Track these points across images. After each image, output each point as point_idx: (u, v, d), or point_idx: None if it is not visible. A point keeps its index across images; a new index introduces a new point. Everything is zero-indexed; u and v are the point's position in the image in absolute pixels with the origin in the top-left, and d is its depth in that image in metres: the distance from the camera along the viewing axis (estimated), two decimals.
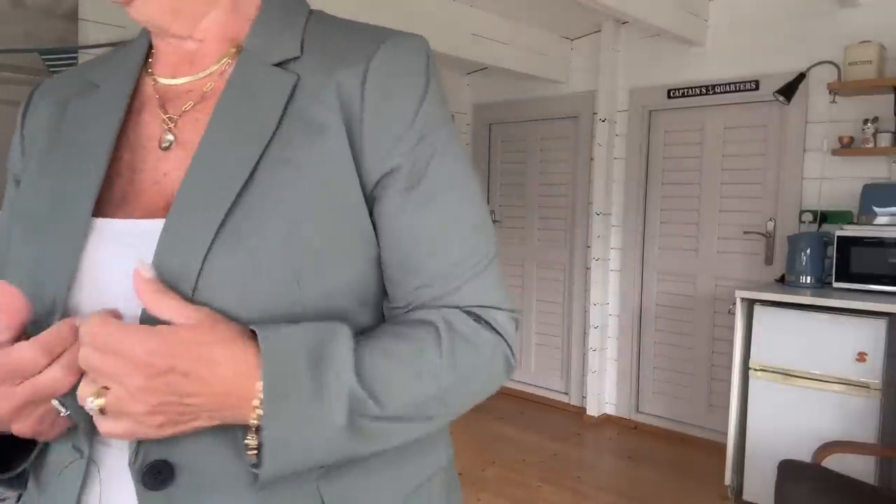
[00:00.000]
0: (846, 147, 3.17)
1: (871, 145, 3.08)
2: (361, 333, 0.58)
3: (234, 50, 0.64)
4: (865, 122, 3.10)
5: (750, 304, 3.04)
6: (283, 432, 0.51)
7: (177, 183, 0.59)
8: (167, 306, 0.52)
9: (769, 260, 3.56)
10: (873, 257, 2.89)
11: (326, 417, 0.52)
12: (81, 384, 0.51)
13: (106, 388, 0.50)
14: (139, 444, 0.54)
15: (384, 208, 0.61)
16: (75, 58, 2.81)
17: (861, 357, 2.69)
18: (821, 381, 2.78)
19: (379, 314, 0.65)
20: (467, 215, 0.64)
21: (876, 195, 2.99)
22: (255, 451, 0.53)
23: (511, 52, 3.92)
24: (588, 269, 4.27)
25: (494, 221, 4.81)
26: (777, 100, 3.31)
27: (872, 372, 2.66)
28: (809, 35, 3.38)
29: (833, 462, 2.40)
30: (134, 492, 0.54)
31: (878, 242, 2.88)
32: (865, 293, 2.87)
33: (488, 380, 0.65)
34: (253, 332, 0.53)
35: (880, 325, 2.65)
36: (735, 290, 3.07)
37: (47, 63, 2.75)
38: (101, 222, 0.58)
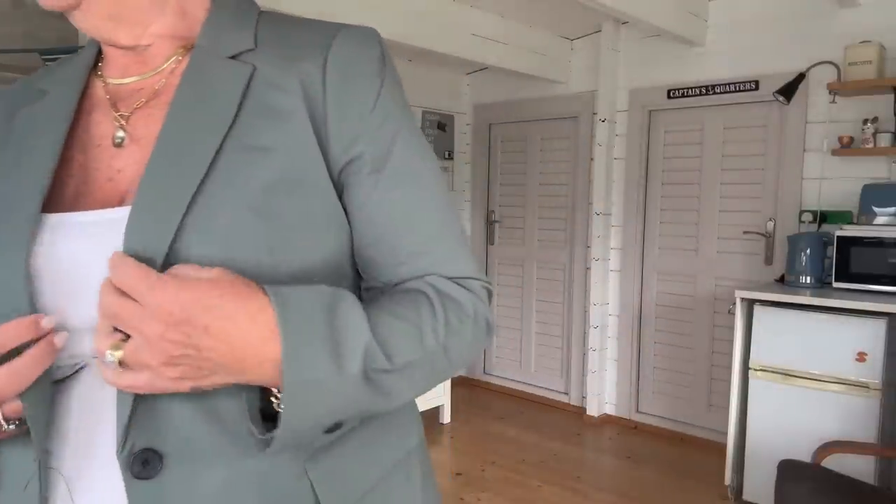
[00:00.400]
0: (846, 147, 3.17)
1: (870, 145, 3.08)
2: None
3: (184, 48, 0.65)
4: (865, 122, 3.10)
5: (750, 304, 3.04)
6: (303, 384, 0.52)
7: (132, 179, 0.60)
8: (178, 269, 0.53)
9: (769, 260, 3.56)
10: (873, 257, 2.89)
11: (344, 368, 0.54)
12: (97, 337, 0.51)
13: (123, 340, 0.50)
14: (126, 434, 0.54)
15: (354, 191, 0.63)
16: None
17: (861, 357, 2.69)
18: (820, 381, 2.78)
19: (356, 291, 0.67)
20: (435, 194, 0.67)
21: (876, 195, 3.00)
22: (273, 409, 0.54)
23: (511, 52, 3.92)
24: (588, 269, 4.27)
25: (494, 221, 4.82)
26: (777, 100, 3.31)
27: (872, 372, 2.66)
28: (809, 35, 3.38)
29: (833, 462, 2.40)
30: (101, 499, 0.55)
31: (878, 242, 2.88)
32: (865, 293, 2.87)
33: (475, 338, 0.66)
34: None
35: (880, 325, 2.66)
36: (735, 290, 3.07)
37: (47, 63, 2.75)
38: (58, 217, 0.58)
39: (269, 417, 0.56)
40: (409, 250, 0.64)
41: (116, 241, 0.54)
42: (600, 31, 4.09)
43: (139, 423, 0.54)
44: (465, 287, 0.66)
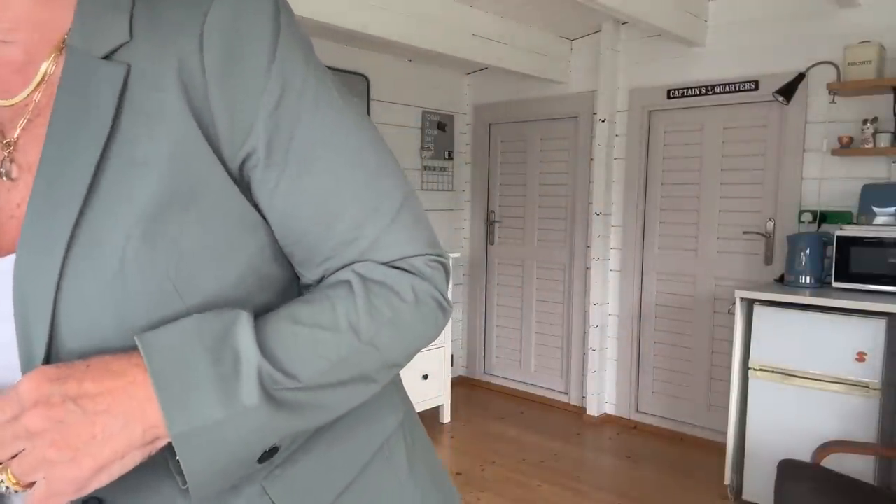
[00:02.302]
0: (846, 147, 3.18)
1: (870, 145, 3.08)
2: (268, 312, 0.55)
3: (59, 47, 0.55)
4: (865, 122, 3.10)
5: (749, 303, 3.04)
6: (193, 432, 0.47)
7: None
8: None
9: (769, 260, 3.56)
10: (873, 257, 2.89)
11: (238, 401, 0.48)
12: None
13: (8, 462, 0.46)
14: None
15: (260, 188, 0.55)
16: None
17: (860, 357, 2.69)
18: (820, 380, 2.79)
19: (286, 290, 0.61)
20: (359, 168, 0.58)
21: (875, 195, 3.00)
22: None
23: (511, 52, 3.92)
24: (588, 269, 4.27)
25: (494, 221, 4.82)
26: (777, 100, 3.32)
27: (872, 372, 2.66)
28: (809, 35, 3.38)
29: (832, 462, 2.40)
30: None
31: (878, 242, 2.88)
32: (865, 293, 2.87)
33: (422, 321, 0.59)
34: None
35: (880, 325, 2.66)
36: (735, 290, 3.07)
37: None
38: None
39: None
40: (334, 241, 0.57)
41: (8, 293, 0.50)
42: (600, 31, 4.09)
43: None
44: (402, 268, 0.59)
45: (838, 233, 2.98)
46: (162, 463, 0.51)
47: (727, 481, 3.08)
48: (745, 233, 3.67)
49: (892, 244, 2.85)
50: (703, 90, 3.74)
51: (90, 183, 0.49)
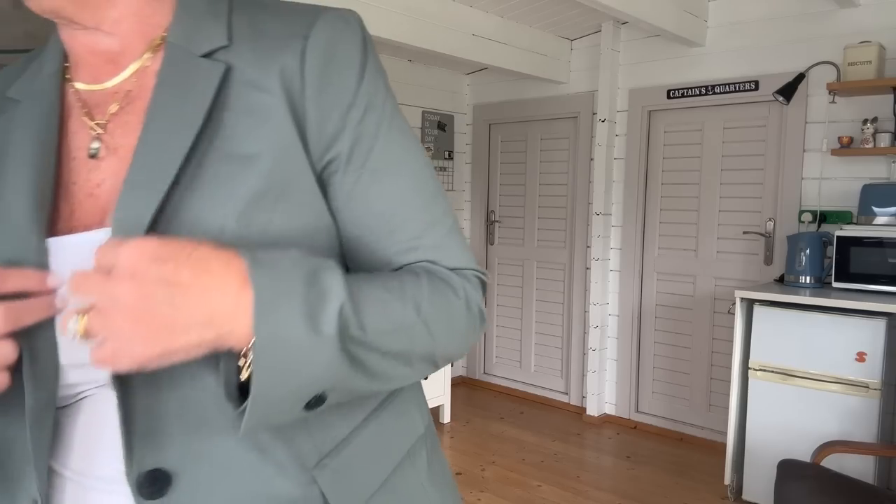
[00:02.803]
0: (846, 147, 3.18)
1: (870, 145, 3.08)
2: None
3: (156, 43, 0.60)
4: (865, 122, 3.10)
5: (749, 304, 3.04)
6: (275, 339, 0.48)
7: (112, 193, 0.56)
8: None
9: (769, 260, 3.56)
10: (873, 257, 2.89)
11: (319, 330, 0.50)
12: (63, 317, 0.48)
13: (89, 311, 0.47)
14: (132, 454, 0.53)
15: (337, 190, 0.60)
16: None
17: (860, 357, 2.69)
18: (820, 380, 2.79)
19: None
20: (421, 187, 0.63)
21: (875, 195, 3.00)
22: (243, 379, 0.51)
23: (511, 52, 3.92)
24: (588, 269, 4.27)
25: (494, 221, 4.82)
26: (777, 100, 3.32)
27: (872, 372, 2.66)
28: (809, 35, 3.39)
29: (832, 462, 2.40)
30: None
31: (878, 242, 2.88)
32: (865, 293, 2.87)
33: (467, 324, 0.63)
34: None
35: (879, 325, 2.66)
36: (734, 290, 3.07)
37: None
38: (52, 241, 0.55)
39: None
40: (396, 248, 0.62)
41: None
42: (600, 31, 4.09)
43: (144, 445, 0.53)
44: (457, 274, 0.64)
45: (838, 233, 2.98)
46: (224, 433, 0.53)
47: (727, 481, 3.08)
48: (745, 233, 3.67)
49: (892, 244, 2.85)
50: (703, 90, 3.74)
51: (180, 167, 0.53)
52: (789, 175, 3.46)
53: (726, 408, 3.19)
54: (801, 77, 3.28)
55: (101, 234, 0.53)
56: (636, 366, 4.15)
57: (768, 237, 3.56)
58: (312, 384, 0.51)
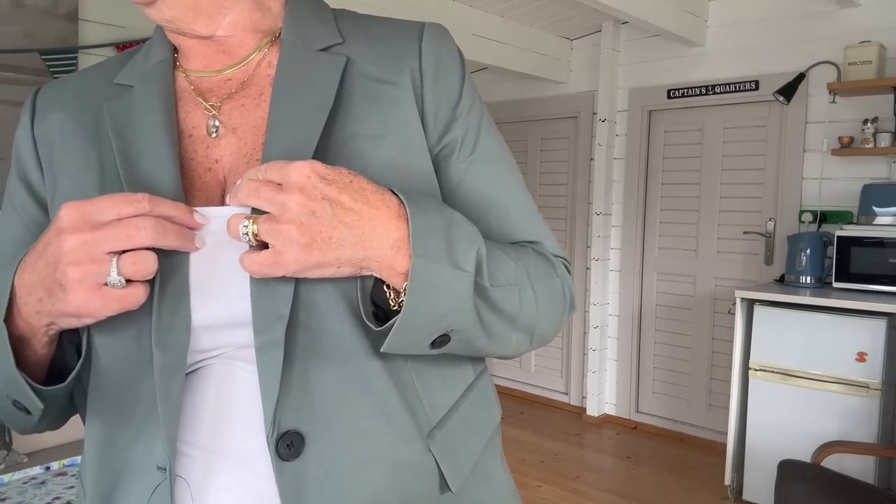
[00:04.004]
0: (846, 147, 3.17)
1: (870, 145, 3.08)
2: None
3: (269, 40, 0.66)
4: (865, 122, 3.10)
5: (750, 304, 3.04)
6: (427, 266, 0.54)
7: (229, 168, 0.62)
8: None
9: (769, 260, 3.56)
10: (873, 257, 2.89)
11: (460, 266, 0.56)
12: (231, 220, 0.53)
13: (257, 216, 0.52)
14: (273, 417, 0.55)
15: (449, 174, 0.67)
16: (75, 58, 2.81)
17: (861, 357, 2.69)
18: (821, 381, 2.78)
19: None
20: (518, 179, 0.72)
21: (876, 195, 3.00)
22: (385, 311, 0.57)
23: (511, 52, 3.92)
24: (588, 269, 4.27)
25: None
26: (777, 100, 3.31)
27: (872, 372, 2.66)
28: (809, 35, 3.38)
29: (833, 462, 2.40)
30: (225, 488, 0.57)
31: (878, 242, 2.88)
32: (865, 293, 2.87)
33: (562, 303, 0.70)
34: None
35: (880, 325, 2.66)
36: (735, 290, 3.07)
37: (47, 63, 2.75)
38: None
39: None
40: (500, 231, 0.68)
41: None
42: (600, 31, 4.09)
43: (281, 408, 0.56)
44: (558, 260, 0.71)
45: (839, 233, 2.98)
46: (360, 393, 0.58)
47: (727, 481, 3.08)
48: (745, 233, 3.67)
49: (892, 244, 2.85)
50: (704, 90, 3.74)
51: (318, 145, 0.59)
52: (790, 175, 3.46)
53: (726, 408, 3.19)
54: (801, 77, 3.28)
55: (240, 208, 0.57)
56: (636, 366, 4.15)
57: (769, 237, 3.56)
58: (447, 316, 0.57)
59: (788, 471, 2.17)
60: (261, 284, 0.56)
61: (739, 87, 3.61)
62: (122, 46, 2.97)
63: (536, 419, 4.24)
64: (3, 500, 1.94)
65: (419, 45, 0.66)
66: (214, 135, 0.63)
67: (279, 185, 0.52)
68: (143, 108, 0.63)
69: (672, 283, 3.99)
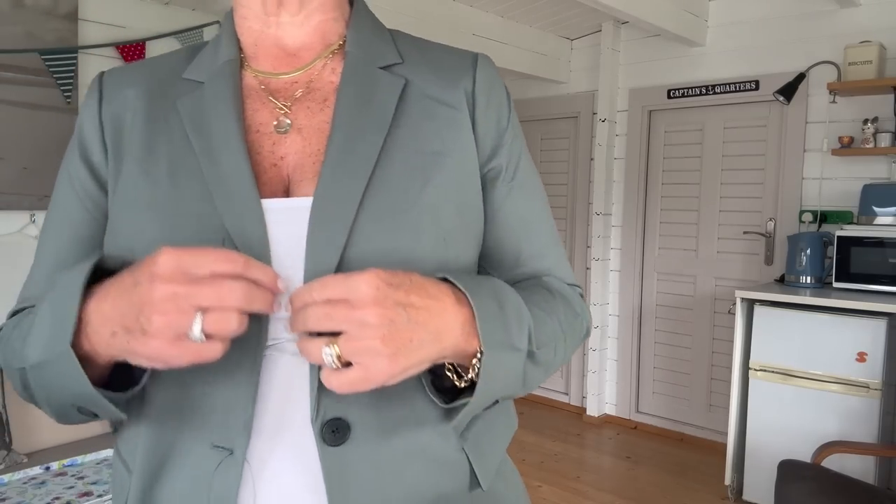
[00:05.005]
0: (846, 147, 3.17)
1: (870, 145, 3.08)
2: None
3: (333, 49, 0.70)
4: (865, 122, 3.10)
5: (750, 304, 3.04)
6: (491, 354, 0.58)
7: (293, 166, 0.65)
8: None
9: (769, 260, 3.56)
10: (873, 257, 2.89)
11: (516, 346, 0.60)
12: (308, 346, 0.54)
13: (334, 337, 0.53)
14: (319, 403, 0.58)
15: (493, 196, 0.71)
16: (75, 58, 2.81)
17: (861, 357, 2.69)
18: (821, 381, 2.78)
19: None
20: (546, 208, 0.77)
21: (876, 195, 3.00)
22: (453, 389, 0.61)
23: (511, 52, 3.92)
24: (588, 269, 4.27)
25: None
26: (777, 100, 3.31)
27: (872, 372, 2.66)
28: (809, 35, 3.38)
29: (833, 462, 2.40)
30: (281, 484, 0.59)
31: (878, 242, 2.88)
32: (865, 293, 2.87)
33: (579, 333, 0.74)
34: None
35: (880, 325, 2.66)
36: (735, 290, 3.07)
37: (47, 63, 2.74)
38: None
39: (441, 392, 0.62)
40: (529, 253, 0.73)
41: (302, 229, 0.60)
42: (600, 31, 4.09)
43: (330, 395, 0.58)
44: (574, 292, 0.75)
45: (839, 233, 2.98)
46: (400, 392, 0.61)
47: (727, 481, 3.08)
48: (745, 233, 3.67)
49: (892, 244, 2.85)
50: (704, 90, 3.74)
51: (378, 157, 0.63)
52: (790, 175, 3.46)
53: (727, 408, 3.19)
54: (801, 77, 3.28)
55: (306, 202, 0.61)
56: (636, 366, 4.15)
57: (769, 237, 3.56)
58: (505, 389, 0.62)
59: (788, 471, 2.17)
60: (312, 275, 0.58)
61: (739, 87, 3.61)
62: (121, 46, 2.97)
63: (536, 419, 4.24)
64: (3, 500, 1.94)
65: (474, 73, 0.70)
66: (284, 132, 0.66)
67: (345, 300, 0.53)
68: (214, 105, 0.66)
69: (672, 283, 3.99)
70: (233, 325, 0.52)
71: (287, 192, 0.64)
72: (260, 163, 0.65)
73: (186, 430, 0.60)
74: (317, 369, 0.58)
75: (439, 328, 0.56)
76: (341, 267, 0.59)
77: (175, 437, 0.60)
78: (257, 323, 0.58)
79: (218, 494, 0.58)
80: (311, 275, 0.58)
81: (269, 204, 0.61)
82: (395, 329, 0.53)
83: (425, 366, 0.57)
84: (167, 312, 0.50)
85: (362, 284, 0.53)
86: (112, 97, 0.69)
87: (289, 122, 0.67)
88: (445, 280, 0.60)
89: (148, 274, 0.51)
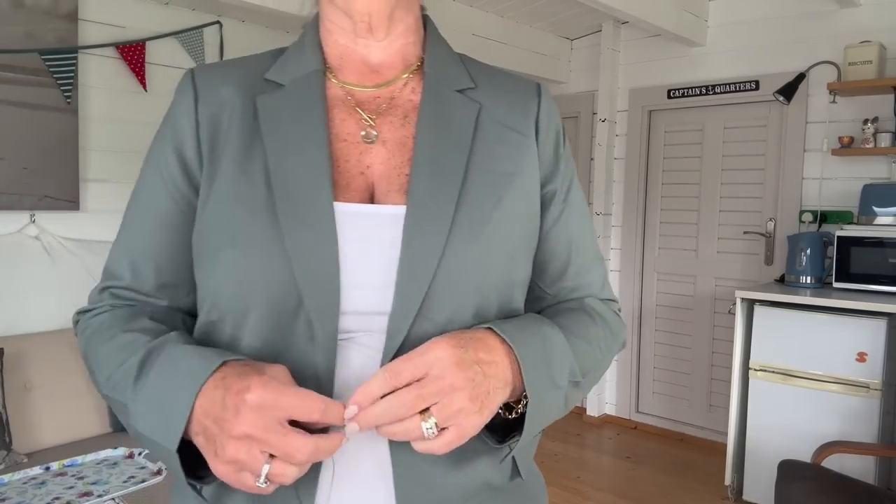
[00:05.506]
0: (846, 147, 3.17)
1: (870, 145, 3.08)
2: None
3: (412, 68, 0.75)
4: (865, 122, 3.10)
5: (750, 304, 3.04)
6: (536, 397, 0.64)
7: (378, 175, 0.69)
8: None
9: (769, 260, 3.56)
10: (873, 257, 2.89)
11: (558, 385, 0.66)
12: (400, 428, 0.57)
13: (424, 411, 0.57)
14: None
15: (547, 216, 0.76)
16: (75, 58, 2.81)
17: (861, 357, 2.69)
18: (821, 381, 2.78)
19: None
20: (591, 226, 0.82)
21: (876, 195, 3.00)
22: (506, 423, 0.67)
23: (511, 52, 3.92)
24: None
25: None
26: (777, 100, 3.31)
27: (872, 372, 2.66)
28: (809, 35, 3.38)
29: (833, 462, 2.40)
30: (354, 471, 0.64)
31: (878, 242, 2.88)
32: (865, 293, 2.87)
33: (616, 349, 0.80)
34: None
35: (880, 325, 2.66)
36: (735, 290, 3.07)
37: (47, 63, 2.74)
38: (340, 205, 0.65)
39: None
40: (574, 270, 0.79)
41: (394, 234, 0.64)
42: (600, 31, 4.09)
43: None
44: (612, 309, 0.81)
45: (839, 233, 2.98)
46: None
47: (727, 481, 3.08)
48: (745, 233, 3.67)
49: (892, 244, 2.85)
50: (704, 90, 3.74)
51: (464, 175, 0.68)
52: (790, 175, 3.46)
53: (726, 408, 3.19)
54: (801, 77, 3.28)
55: (398, 210, 0.66)
56: (636, 366, 4.15)
57: (769, 237, 3.56)
58: (549, 420, 0.68)
59: (788, 471, 2.17)
60: (405, 284, 0.63)
61: (739, 87, 3.61)
62: (121, 46, 2.97)
63: None
64: (3, 500, 1.94)
65: (538, 101, 0.77)
66: (371, 143, 0.70)
67: (425, 375, 0.57)
68: (298, 111, 0.69)
69: (672, 283, 3.99)
70: (294, 476, 0.56)
71: (371, 200, 0.68)
72: (349, 170, 0.68)
73: None
74: (388, 360, 0.62)
75: (506, 377, 0.62)
76: (437, 276, 0.63)
77: None
78: (332, 314, 0.63)
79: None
80: (404, 279, 0.63)
81: (357, 208, 0.66)
82: (476, 386, 0.59)
83: (496, 409, 0.62)
84: (239, 451, 0.54)
85: (441, 354, 0.58)
86: (208, 98, 0.71)
87: (375, 133, 0.71)
88: (489, 329, 0.65)
89: (234, 407, 0.55)
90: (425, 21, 0.78)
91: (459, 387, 0.57)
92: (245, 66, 0.74)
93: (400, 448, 0.64)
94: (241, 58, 0.76)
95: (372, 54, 0.73)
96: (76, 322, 0.74)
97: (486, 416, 0.60)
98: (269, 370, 0.58)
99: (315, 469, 0.62)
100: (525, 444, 0.67)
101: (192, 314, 0.73)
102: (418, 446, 0.58)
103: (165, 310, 0.72)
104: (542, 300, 0.79)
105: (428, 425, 0.57)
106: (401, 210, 0.65)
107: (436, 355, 0.58)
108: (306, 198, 0.64)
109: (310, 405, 0.55)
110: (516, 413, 0.67)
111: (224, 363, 0.59)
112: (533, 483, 0.78)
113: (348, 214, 0.65)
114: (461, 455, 0.66)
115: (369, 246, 0.64)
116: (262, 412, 0.54)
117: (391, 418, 0.57)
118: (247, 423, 0.54)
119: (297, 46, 0.76)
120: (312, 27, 0.76)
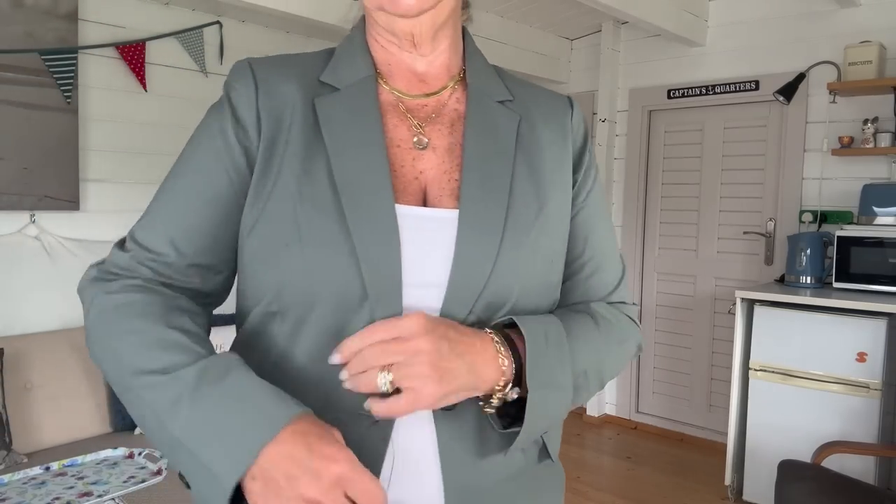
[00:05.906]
0: (846, 147, 3.17)
1: (870, 145, 3.08)
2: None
3: (455, 79, 0.79)
4: (865, 122, 3.10)
5: (750, 304, 3.04)
6: (536, 391, 0.66)
7: (431, 180, 0.72)
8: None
9: (769, 260, 3.56)
10: (873, 257, 2.89)
11: (560, 379, 0.69)
12: (362, 380, 0.61)
13: (388, 368, 0.60)
14: None
15: (575, 220, 0.80)
16: (75, 58, 2.81)
17: (861, 357, 2.69)
18: (821, 381, 2.78)
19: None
20: (612, 228, 0.86)
21: (876, 195, 3.00)
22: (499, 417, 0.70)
23: (511, 52, 3.92)
24: None
25: None
26: (777, 100, 3.31)
27: (872, 372, 2.66)
28: (809, 35, 3.38)
29: (833, 462, 2.40)
30: (410, 449, 0.69)
31: (878, 243, 2.88)
32: (865, 293, 2.87)
33: (628, 353, 0.82)
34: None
35: (880, 326, 2.66)
36: (735, 290, 3.07)
37: (47, 63, 2.74)
38: (399, 207, 0.69)
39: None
40: (594, 263, 0.82)
41: (447, 236, 0.68)
42: (600, 31, 4.09)
43: None
44: (624, 313, 0.82)
45: (839, 233, 2.98)
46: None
47: (727, 481, 3.08)
48: (745, 233, 3.67)
49: (892, 244, 2.85)
50: (704, 90, 3.74)
51: (510, 183, 0.72)
52: (790, 175, 3.46)
53: (727, 408, 3.19)
54: (801, 77, 3.28)
55: (451, 213, 0.70)
56: (636, 366, 4.15)
57: (769, 237, 3.56)
58: (553, 420, 0.71)
59: (788, 471, 2.17)
60: (458, 283, 0.67)
61: (739, 87, 3.61)
62: (121, 46, 2.97)
63: None
64: (3, 500, 1.94)
65: (571, 114, 0.82)
66: (422, 149, 0.74)
67: (396, 338, 0.61)
68: (354, 115, 0.72)
69: (672, 283, 3.99)
70: None
71: (424, 204, 0.71)
72: (405, 175, 0.72)
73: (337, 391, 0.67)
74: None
75: (475, 362, 0.64)
76: (492, 277, 0.68)
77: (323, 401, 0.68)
78: (395, 285, 0.67)
79: (370, 443, 0.67)
80: (457, 278, 0.67)
81: (414, 211, 0.69)
82: (440, 357, 0.61)
83: (462, 395, 0.64)
84: None
85: (412, 322, 0.61)
86: (270, 90, 0.72)
87: (426, 139, 0.74)
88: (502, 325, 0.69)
89: (315, 471, 0.57)
90: (464, 32, 0.82)
91: (423, 350, 0.60)
92: (300, 65, 0.75)
93: (445, 434, 0.69)
94: (294, 56, 0.77)
95: (418, 65, 0.76)
96: (91, 278, 0.71)
97: (444, 390, 0.61)
98: (337, 435, 0.60)
99: (380, 457, 0.67)
100: (543, 431, 0.72)
101: (208, 296, 0.74)
102: (377, 407, 0.61)
103: (193, 293, 0.72)
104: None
105: (383, 380, 0.60)
106: (454, 214, 0.69)
107: (410, 321, 0.61)
108: (370, 199, 0.67)
109: (375, 498, 0.58)
110: (491, 410, 0.69)
111: (299, 414, 0.60)
112: (558, 468, 0.84)
113: (408, 216, 0.68)
114: (500, 442, 0.71)
115: (426, 246, 0.68)
116: (339, 486, 0.57)
117: (357, 368, 0.61)
118: (322, 490, 0.56)
119: (346, 50, 0.77)
120: (359, 30, 0.78)
